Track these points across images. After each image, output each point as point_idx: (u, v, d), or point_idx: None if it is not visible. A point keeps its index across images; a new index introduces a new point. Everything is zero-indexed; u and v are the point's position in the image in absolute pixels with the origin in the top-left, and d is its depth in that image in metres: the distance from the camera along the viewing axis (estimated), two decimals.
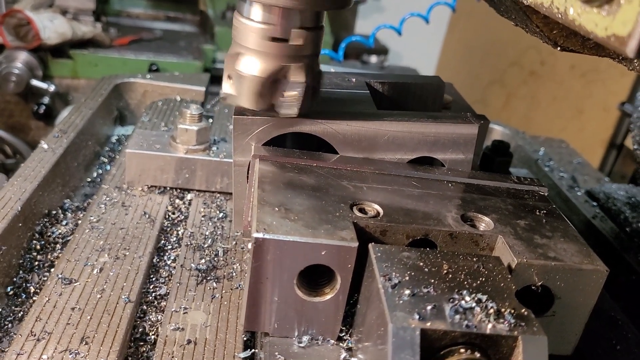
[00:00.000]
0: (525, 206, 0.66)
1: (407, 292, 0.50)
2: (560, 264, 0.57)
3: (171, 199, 0.97)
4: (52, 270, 0.79)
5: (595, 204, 1.15)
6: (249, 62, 0.64)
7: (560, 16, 0.42)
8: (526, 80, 2.91)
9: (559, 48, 0.55)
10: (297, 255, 0.54)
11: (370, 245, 0.55)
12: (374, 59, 2.84)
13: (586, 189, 1.24)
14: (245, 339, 0.69)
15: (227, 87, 0.66)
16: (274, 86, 0.65)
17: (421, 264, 0.54)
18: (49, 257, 0.86)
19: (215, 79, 2.38)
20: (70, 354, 0.65)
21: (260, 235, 0.53)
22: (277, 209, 0.57)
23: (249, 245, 0.56)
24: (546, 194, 0.70)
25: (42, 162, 0.97)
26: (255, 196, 0.59)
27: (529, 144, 1.43)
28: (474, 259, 0.56)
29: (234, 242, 0.87)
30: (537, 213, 0.65)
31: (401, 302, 0.49)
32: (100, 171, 1.12)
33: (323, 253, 0.54)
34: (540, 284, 0.57)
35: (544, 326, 0.58)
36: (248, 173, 0.70)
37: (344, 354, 0.58)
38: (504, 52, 2.99)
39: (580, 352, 0.79)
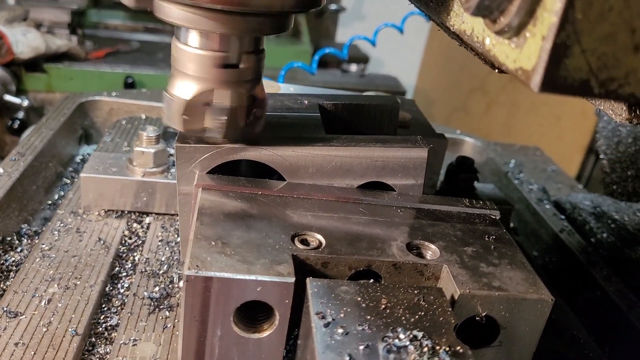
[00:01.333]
0: (474, 231, 0.65)
1: (340, 330, 0.48)
2: (504, 293, 0.55)
3: (129, 223, 0.95)
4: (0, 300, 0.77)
5: (562, 216, 1.14)
6: (177, 84, 0.63)
7: (479, 45, 0.41)
8: (506, 86, 2.91)
9: (497, 70, 0.54)
10: (233, 292, 0.53)
11: (307, 280, 0.54)
12: (354, 67, 2.84)
13: (554, 199, 1.23)
14: None
15: (185, 124, 0.65)
16: (204, 110, 0.63)
17: (359, 299, 0.52)
18: (1, 285, 0.83)
19: None
20: None
21: (192, 272, 0.52)
22: (213, 242, 0.56)
23: (181, 284, 0.54)
24: (497, 218, 0.69)
25: None
26: (193, 229, 0.58)
27: (500, 155, 1.42)
28: (415, 292, 0.54)
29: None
30: (487, 239, 0.64)
31: (333, 342, 0.47)
32: (62, 193, 1.10)
33: (259, 289, 0.52)
34: (484, 314, 0.55)
35: (492, 356, 0.57)
36: (193, 202, 0.68)
37: None
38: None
39: None
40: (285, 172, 0.67)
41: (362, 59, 2.84)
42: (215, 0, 0.54)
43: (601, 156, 1.20)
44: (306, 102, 0.78)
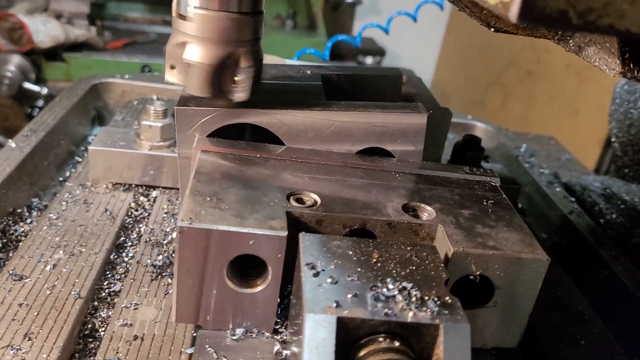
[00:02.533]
0: (473, 196, 0.65)
1: (329, 280, 0.48)
2: (499, 252, 0.55)
3: (135, 197, 0.96)
4: (4, 267, 0.78)
5: (572, 198, 1.13)
6: (196, 50, 0.63)
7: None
8: (523, 79, 2.89)
9: (492, 29, 0.54)
10: (225, 245, 0.53)
11: (300, 235, 0.54)
12: (369, 59, 2.84)
13: (564, 181, 1.22)
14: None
15: (170, 77, 0.65)
16: (223, 72, 0.64)
17: (351, 252, 0.52)
18: (10, 255, 0.85)
19: None
20: (11, 350, 0.64)
21: (185, 224, 0.52)
22: (208, 198, 0.56)
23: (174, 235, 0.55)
24: (498, 185, 0.68)
25: (8, 160, 0.96)
26: (189, 187, 0.58)
27: (512, 140, 1.41)
28: (408, 248, 0.54)
29: None
30: (485, 203, 0.64)
31: (322, 290, 0.47)
32: (73, 170, 1.11)
33: (251, 243, 0.53)
34: (478, 273, 0.55)
35: (487, 317, 0.57)
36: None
37: (277, 347, 0.57)
38: (501, 52, 2.97)
39: (541, 346, 0.77)
40: (284, 136, 0.68)
41: (379, 52, 2.83)
42: None
43: (612, 139, 1.18)
44: (309, 72, 0.78)
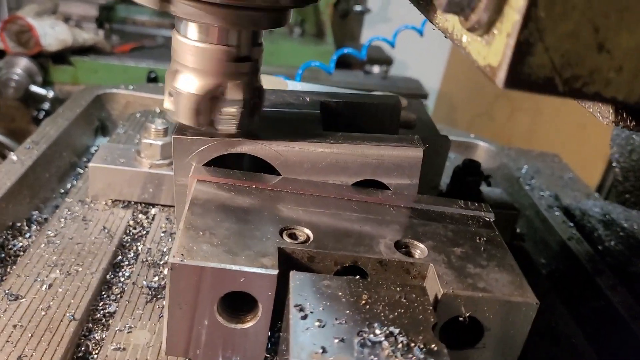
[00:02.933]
0: (466, 232, 0.65)
1: (317, 324, 0.48)
2: (488, 295, 0.55)
3: (134, 214, 0.97)
4: (1, 285, 0.79)
5: (571, 223, 1.13)
6: (186, 80, 0.63)
7: (458, 43, 0.42)
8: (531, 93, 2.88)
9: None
10: (216, 281, 0.53)
11: (291, 273, 0.54)
12: (376, 69, 2.84)
13: (564, 205, 1.22)
14: None
15: (167, 103, 0.66)
16: (213, 103, 0.64)
17: (340, 293, 0.53)
18: (7, 270, 0.85)
19: None
20: None
21: (177, 260, 0.52)
22: (201, 232, 0.57)
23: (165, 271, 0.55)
24: (492, 220, 0.68)
25: (9, 174, 0.97)
26: (183, 219, 0.59)
27: (514, 160, 1.40)
28: (398, 289, 0.54)
29: None
30: (478, 240, 0.64)
31: (308, 334, 0.48)
32: (75, 182, 1.12)
33: (242, 280, 0.53)
34: (467, 315, 0.55)
35: (475, 358, 0.57)
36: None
37: None
38: None
39: None
40: (281, 166, 0.68)
41: (385, 61, 2.83)
42: None
43: (614, 164, 1.18)
44: (308, 99, 0.78)
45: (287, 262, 0.56)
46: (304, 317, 0.49)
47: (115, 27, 2.68)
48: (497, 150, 1.44)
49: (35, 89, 2.19)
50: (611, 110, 0.47)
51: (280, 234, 0.59)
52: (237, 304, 0.57)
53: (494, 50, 0.34)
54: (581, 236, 1.09)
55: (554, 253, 1.12)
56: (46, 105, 2.24)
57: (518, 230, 1.16)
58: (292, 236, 0.60)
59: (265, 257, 0.55)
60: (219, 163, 0.70)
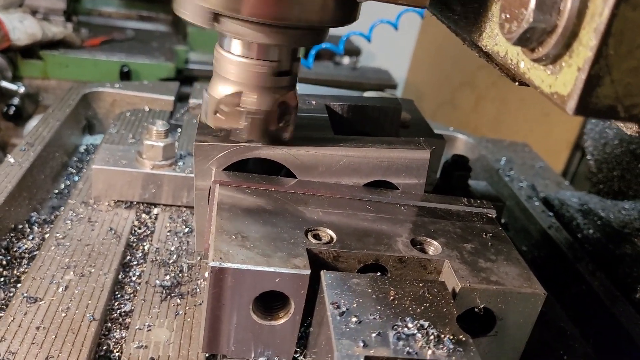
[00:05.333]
0: (473, 229, 0.70)
1: (354, 319, 0.53)
2: (501, 287, 0.60)
3: (137, 214, 0.99)
4: (18, 287, 0.80)
5: (550, 213, 1.20)
6: (214, 85, 0.67)
7: (512, 67, 0.46)
8: (496, 82, 2.96)
9: (517, 83, 0.59)
10: (253, 282, 0.57)
11: (322, 273, 0.58)
12: (346, 60, 2.87)
13: (543, 195, 1.28)
14: (207, 355, 0.72)
15: (216, 122, 0.69)
16: (235, 110, 0.67)
17: (369, 290, 0.57)
18: (15, 272, 0.87)
19: (187, 80, 2.39)
20: None
21: (216, 264, 0.56)
22: (233, 236, 0.60)
23: (206, 274, 0.58)
24: (494, 216, 0.74)
25: (9, 177, 0.98)
26: (214, 224, 0.62)
27: (492, 152, 1.47)
28: (420, 285, 0.59)
29: (199, 258, 0.89)
30: (484, 236, 0.69)
31: (348, 329, 0.52)
32: (67, 182, 1.13)
33: (277, 280, 0.57)
34: (482, 306, 0.60)
35: (488, 345, 0.62)
36: (209, 197, 0.72)
37: None
38: (473, 53, 3.04)
39: None
40: (297, 169, 0.72)
41: (354, 52, 2.87)
42: (262, 15, 0.58)
43: (588, 157, 1.25)
44: (314, 102, 0.82)
45: (315, 262, 0.60)
46: (342, 314, 0.53)
47: (81, 19, 2.64)
48: (475, 142, 1.50)
49: (5, 84, 2.15)
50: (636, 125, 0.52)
51: (306, 234, 0.63)
52: (266, 300, 0.61)
53: (563, 81, 0.39)
54: (560, 225, 1.16)
55: (535, 241, 1.18)
56: (16, 101, 2.20)
57: (503, 220, 1.22)
58: (317, 237, 0.63)
59: (297, 258, 0.58)
60: (229, 167, 0.73)
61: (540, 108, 2.71)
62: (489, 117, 3.00)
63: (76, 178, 1.13)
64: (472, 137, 1.51)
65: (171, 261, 0.89)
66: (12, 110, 2.15)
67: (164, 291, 0.82)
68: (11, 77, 2.19)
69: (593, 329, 0.96)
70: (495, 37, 0.51)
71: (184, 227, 0.97)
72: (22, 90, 2.19)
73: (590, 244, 1.12)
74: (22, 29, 2.16)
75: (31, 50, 2.25)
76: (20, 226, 0.96)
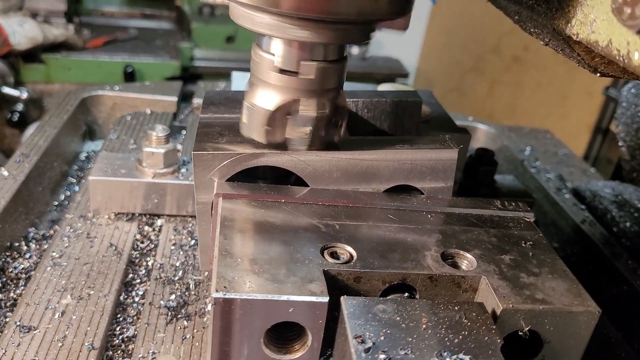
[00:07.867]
0: (510, 237, 0.62)
1: (383, 356, 0.45)
2: (549, 307, 0.52)
3: (140, 226, 0.92)
4: (11, 315, 0.74)
5: (582, 206, 1.11)
6: (258, 94, 0.59)
7: (621, 59, 0.38)
8: (510, 66, 2.87)
9: (598, 74, 0.51)
10: (263, 313, 0.50)
11: (342, 299, 0.51)
12: (355, 49, 2.79)
13: (572, 187, 1.20)
14: None
15: (268, 135, 0.62)
16: (287, 120, 0.61)
17: (398, 318, 0.49)
18: (11, 295, 0.80)
19: (193, 77, 2.32)
20: None
21: (220, 295, 0.48)
22: (239, 260, 0.53)
23: (209, 306, 0.51)
24: (532, 220, 0.66)
25: (2, 191, 0.91)
26: (217, 245, 0.54)
27: (514, 142, 1.38)
28: (456, 308, 0.51)
29: (206, 273, 0.82)
30: (523, 245, 0.61)
31: None
32: (68, 193, 1.06)
33: (291, 310, 0.49)
34: (527, 329, 0.53)
35: None
36: (212, 211, 0.65)
37: None
38: (485, 39, 2.94)
39: None
40: (308, 177, 0.64)
41: None
42: (308, 9, 0.51)
43: (620, 143, 1.16)
44: None
45: (333, 285, 0.53)
46: (367, 350, 0.45)
47: (83, 20, 2.58)
48: (497, 132, 1.41)
49: (7, 90, 2.10)
50: None
51: (322, 253, 0.55)
52: (281, 330, 0.53)
53: None
54: (594, 218, 1.08)
55: (567, 237, 1.10)
56: (20, 107, 2.14)
57: None
58: (334, 255, 0.56)
59: (313, 282, 0.51)
60: (235, 177, 0.65)
61: (558, 91, 2.61)
62: (504, 103, 2.91)
63: (77, 188, 1.07)
64: (493, 127, 1.43)
65: (177, 278, 0.82)
66: (16, 117, 2.09)
67: (169, 313, 0.75)
68: (13, 83, 2.14)
69: (638, 333, 0.88)
70: (591, 24, 0.43)
71: (189, 239, 0.90)
72: (25, 95, 2.13)
73: (627, 238, 1.03)
74: (23, 32, 2.10)
75: (33, 54, 2.20)
76: (17, 244, 0.90)
